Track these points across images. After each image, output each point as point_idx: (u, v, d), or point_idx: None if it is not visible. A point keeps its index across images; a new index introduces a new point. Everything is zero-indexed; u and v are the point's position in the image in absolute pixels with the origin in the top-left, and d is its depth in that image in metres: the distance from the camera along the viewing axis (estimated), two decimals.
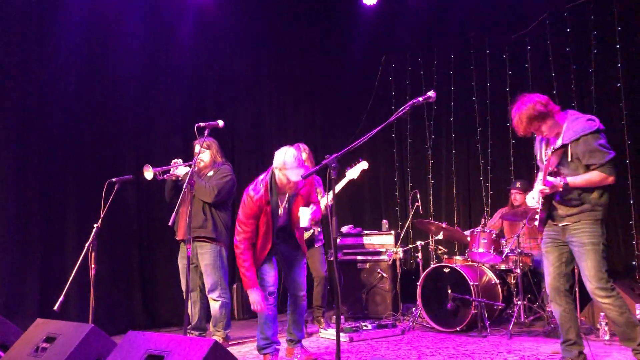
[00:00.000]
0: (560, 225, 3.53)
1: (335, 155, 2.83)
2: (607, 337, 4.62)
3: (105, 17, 5.98)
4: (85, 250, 3.99)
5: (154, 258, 6.12)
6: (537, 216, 3.56)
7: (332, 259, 5.75)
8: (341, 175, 5.31)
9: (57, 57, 5.57)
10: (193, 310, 4.93)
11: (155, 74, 6.39)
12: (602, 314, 4.86)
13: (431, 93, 3.07)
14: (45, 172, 5.41)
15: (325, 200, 5.08)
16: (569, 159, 3.42)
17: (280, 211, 3.95)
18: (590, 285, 3.39)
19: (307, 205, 3.94)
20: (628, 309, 3.38)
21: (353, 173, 5.31)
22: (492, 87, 7.10)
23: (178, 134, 6.43)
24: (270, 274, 4.02)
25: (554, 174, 3.45)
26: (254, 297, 3.84)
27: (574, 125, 3.43)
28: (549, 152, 3.53)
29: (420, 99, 3.04)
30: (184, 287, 4.95)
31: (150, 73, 6.34)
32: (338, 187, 5.22)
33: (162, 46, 6.50)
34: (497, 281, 5.38)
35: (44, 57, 5.47)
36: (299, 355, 4.11)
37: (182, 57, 6.63)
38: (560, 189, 3.37)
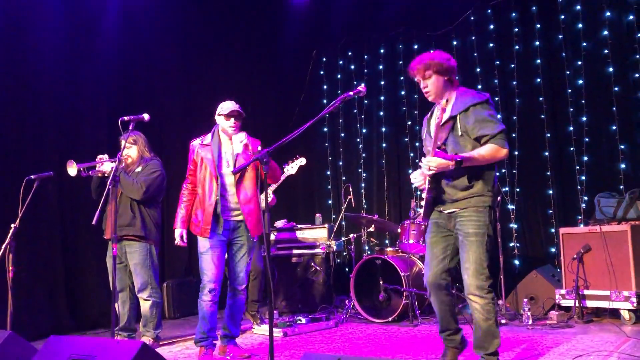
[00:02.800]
0: (446, 212, 3.24)
1: (267, 149, 2.80)
2: (530, 322, 4.83)
3: (23, 7, 5.65)
4: (2, 251, 3.77)
5: (79, 258, 5.86)
6: (423, 198, 3.29)
7: (265, 254, 5.71)
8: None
9: None
10: (122, 310, 4.77)
11: (77, 63, 6.08)
12: (525, 299, 5.10)
13: (361, 87, 3.10)
14: None
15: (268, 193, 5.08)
16: (459, 133, 3.11)
17: (225, 163, 4.05)
18: (468, 280, 3.11)
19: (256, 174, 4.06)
20: (495, 317, 3.13)
21: (291, 169, 5.33)
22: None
23: (103, 128, 6.17)
24: (213, 270, 3.97)
25: (441, 151, 3.09)
26: (176, 234, 4.11)
27: (463, 97, 3.19)
28: (434, 126, 3.23)
29: (351, 93, 3.05)
30: (111, 288, 4.79)
31: (72, 63, 6.02)
32: (269, 192, 5.22)
33: (84, 35, 6.19)
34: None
35: None
36: (231, 354, 4.05)
37: (107, 47, 6.34)
38: (451, 167, 2.99)
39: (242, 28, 7.92)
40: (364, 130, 7.72)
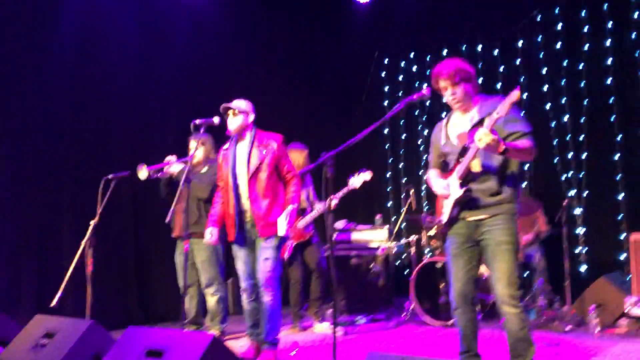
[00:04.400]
0: (473, 219, 3.16)
1: (331, 153, 2.87)
2: (597, 330, 4.70)
3: (98, 14, 5.98)
4: (82, 246, 4.02)
5: (149, 254, 6.15)
6: (448, 206, 3.20)
7: (326, 254, 5.80)
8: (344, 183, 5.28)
9: (51, 55, 5.58)
10: (190, 305, 4.97)
11: (149, 70, 6.38)
12: (592, 306, 4.96)
13: (425, 91, 3.13)
14: (40, 170, 5.44)
15: (322, 205, 5.14)
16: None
17: (239, 163, 4.04)
18: (501, 290, 3.04)
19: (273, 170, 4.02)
20: (529, 325, 3.09)
21: (356, 182, 5.19)
22: (483, 83, 7.15)
23: (172, 129, 6.44)
24: (242, 270, 4.07)
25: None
26: (206, 232, 4.17)
27: (488, 101, 3.14)
28: (456, 134, 3.18)
29: (415, 96, 3.09)
30: (180, 283, 5.00)
31: (144, 69, 6.33)
32: (339, 193, 5.23)
33: (155, 42, 6.48)
34: (483, 277, 5.45)
35: (38, 55, 5.48)
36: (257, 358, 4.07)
37: (175, 54, 6.62)
38: (500, 149, 2.83)
39: (304, 30, 8.02)
40: (425, 132, 7.68)
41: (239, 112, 4.07)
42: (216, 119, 4.05)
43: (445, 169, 3.39)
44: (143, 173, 4.73)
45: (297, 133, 7.48)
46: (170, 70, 6.56)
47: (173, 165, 4.86)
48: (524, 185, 3.19)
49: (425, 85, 7.62)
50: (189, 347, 2.43)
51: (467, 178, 3.11)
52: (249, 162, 4.00)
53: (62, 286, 3.96)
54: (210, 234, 4.14)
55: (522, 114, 3.12)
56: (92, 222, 4.10)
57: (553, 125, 6.45)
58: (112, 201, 4.49)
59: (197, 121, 3.96)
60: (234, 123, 4.07)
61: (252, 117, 4.14)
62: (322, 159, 2.85)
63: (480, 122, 3.07)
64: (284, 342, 4.33)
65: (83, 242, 4.04)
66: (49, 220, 5.46)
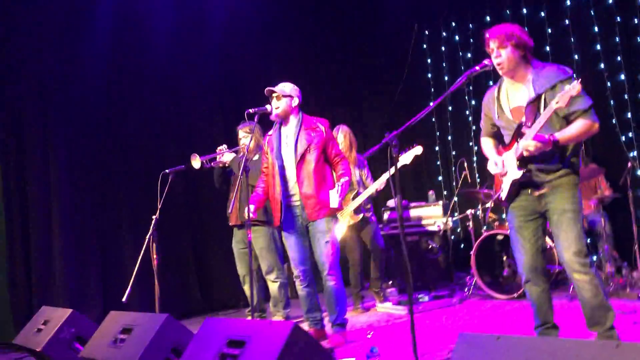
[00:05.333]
0: (536, 194, 3.09)
1: (396, 132, 2.81)
2: None
3: (136, 12, 6.03)
4: (146, 241, 4.09)
5: (207, 245, 6.24)
6: (507, 184, 3.11)
7: (384, 233, 5.76)
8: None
9: (97, 56, 5.68)
10: (252, 292, 5.01)
11: (189, 64, 6.43)
12: None
13: (487, 61, 3.03)
14: (96, 169, 5.56)
15: (374, 186, 5.08)
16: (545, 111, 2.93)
17: (284, 146, 4.04)
18: (568, 257, 2.97)
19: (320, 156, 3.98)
20: (603, 290, 2.99)
21: (406, 158, 5.09)
22: None
23: (218, 121, 6.48)
24: (293, 256, 4.04)
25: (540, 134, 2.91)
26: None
27: (544, 72, 3.01)
28: (510, 108, 3.10)
29: (477, 68, 3.01)
30: (240, 272, 5.06)
31: (184, 64, 6.39)
32: (391, 171, 5.14)
33: (195, 31, 6.51)
34: (552, 244, 5.31)
35: (84, 57, 5.58)
36: (325, 340, 4.05)
37: (214, 43, 6.63)
38: (548, 148, 2.86)
39: (342, 8, 7.91)
40: (473, 102, 7.49)
41: (282, 96, 4.04)
42: (269, 107, 4.04)
43: (500, 139, 3.31)
44: (197, 162, 4.78)
45: (340, 113, 7.45)
46: (209, 60, 6.57)
47: (225, 155, 4.89)
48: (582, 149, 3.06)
49: (469, 53, 7.42)
50: (271, 336, 2.43)
51: (526, 158, 3.01)
52: (296, 145, 3.98)
53: (131, 282, 4.03)
54: (249, 210, 4.04)
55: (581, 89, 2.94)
56: (154, 217, 4.14)
57: (609, 85, 6.19)
58: (168, 195, 4.56)
59: (251, 110, 3.95)
60: (277, 107, 4.05)
61: (296, 101, 4.09)
62: (387, 139, 2.79)
63: (536, 99, 2.98)
64: (350, 323, 4.32)
65: (147, 237, 4.09)
66: (109, 218, 5.59)
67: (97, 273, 5.37)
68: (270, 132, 4.22)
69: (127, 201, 5.75)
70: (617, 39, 6.18)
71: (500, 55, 3.05)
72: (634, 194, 5.31)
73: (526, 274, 3.16)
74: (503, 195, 3.19)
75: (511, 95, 3.14)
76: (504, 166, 3.14)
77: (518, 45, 3.02)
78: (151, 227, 4.10)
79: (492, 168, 3.23)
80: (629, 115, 6.02)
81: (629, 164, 5.19)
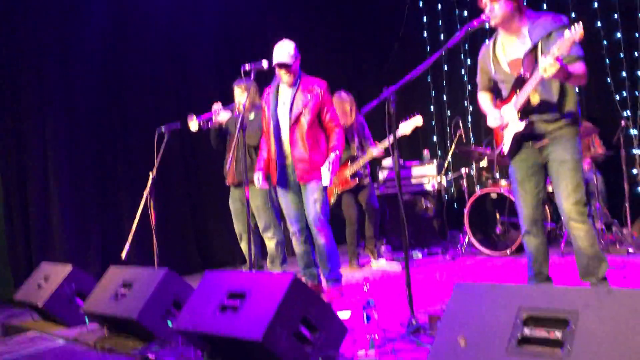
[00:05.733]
0: (537, 146, 3.12)
1: (393, 87, 2.82)
2: None
3: None
4: (144, 198, 4.11)
5: (204, 203, 6.29)
6: (508, 138, 3.12)
7: (390, 192, 5.81)
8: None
9: (94, 13, 5.62)
10: (249, 249, 5.07)
11: (183, 19, 6.33)
12: None
13: (485, 16, 3.00)
14: (93, 126, 5.56)
15: (381, 146, 5.10)
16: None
17: (281, 105, 4.00)
18: (569, 207, 2.99)
19: (314, 117, 3.92)
20: (598, 241, 3.04)
21: (406, 127, 5.05)
22: (529, 2, 6.84)
23: (214, 78, 6.43)
24: (290, 208, 4.09)
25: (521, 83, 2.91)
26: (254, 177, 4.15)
27: (540, 21, 2.97)
28: (507, 61, 3.08)
29: (476, 23, 2.97)
30: (237, 230, 5.11)
31: (180, 19, 6.28)
32: (390, 139, 5.14)
33: None
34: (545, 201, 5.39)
35: (81, 14, 5.51)
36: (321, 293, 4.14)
37: (210, 5, 6.52)
38: (561, 76, 2.74)
39: None
40: (469, 61, 7.46)
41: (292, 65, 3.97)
42: (265, 63, 3.97)
43: (497, 94, 3.31)
44: (194, 124, 4.76)
45: (337, 74, 7.40)
46: (205, 20, 6.48)
47: (221, 114, 4.87)
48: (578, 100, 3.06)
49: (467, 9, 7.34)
50: (271, 288, 2.48)
51: (527, 109, 3.01)
52: (291, 106, 3.95)
53: (130, 238, 4.07)
54: (257, 178, 4.15)
55: None
56: (150, 174, 4.15)
57: (605, 43, 6.17)
58: (164, 153, 4.57)
59: (247, 66, 3.91)
60: (292, 75, 3.98)
61: (298, 62, 4.03)
62: (385, 95, 2.80)
63: (533, 49, 2.95)
64: (345, 279, 4.41)
65: (144, 194, 4.11)
66: (107, 175, 5.61)
67: (96, 230, 5.41)
68: (267, 89, 4.19)
69: (125, 159, 5.75)
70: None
71: (493, 9, 3.01)
72: (626, 152, 5.37)
73: (526, 225, 3.22)
74: (505, 149, 3.21)
75: (507, 47, 3.12)
76: (504, 119, 3.15)
77: None
78: (148, 185, 4.12)
79: (492, 122, 3.24)
80: (624, 74, 6.03)
81: (622, 123, 5.23)
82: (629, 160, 5.97)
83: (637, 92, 6.01)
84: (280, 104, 4.05)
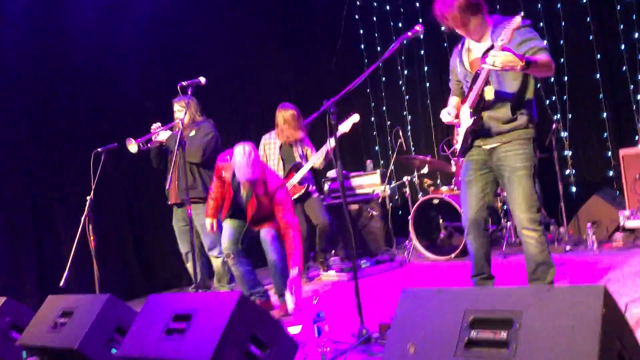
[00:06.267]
0: (487, 147, 3.14)
1: (333, 99, 2.83)
2: (596, 247, 4.82)
3: None
4: (82, 223, 3.96)
5: (146, 224, 6.11)
6: (461, 135, 3.15)
7: (325, 203, 5.82)
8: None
9: (20, 31, 5.40)
10: (195, 269, 4.97)
11: (117, 34, 6.16)
12: (588, 224, 5.07)
13: (418, 27, 3.06)
14: (25, 150, 5.33)
15: (321, 153, 5.14)
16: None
17: (244, 198, 4.14)
18: (521, 214, 3.04)
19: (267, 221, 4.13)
20: (548, 247, 3.10)
21: (345, 126, 5.13)
22: None
23: (151, 96, 6.29)
24: (228, 231, 4.18)
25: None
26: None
27: (502, 24, 2.93)
28: (469, 61, 3.14)
29: (409, 33, 3.04)
30: (182, 249, 5.00)
31: (111, 34, 6.12)
32: (332, 142, 5.19)
33: (121, 5, 6.23)
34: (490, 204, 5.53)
35: (4, 33, 5.28)
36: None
37: (144, 16, 6.37)
38: (519, 67, 2.70)
39: None
40: (406, 72, 7.61)
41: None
42: (202, 79, 3.96)
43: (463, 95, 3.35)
44: (133, 147, 4.66)
45: (278, 88, 7.40)
46: (142, 32, 6.33)
47: (160, 133, 4.79)
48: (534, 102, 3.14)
49: (403, 22, 7.50)
50: (217, 308, 2.42)
51: (480, 106, 3.03)
52: (247, 201, 4.13)
53: (68, 265, 3.90)
54: (210, 224, 4.31)
55: (535, 34, 3.00)
56: (88, 198, 4.01)
57: None
58: (103, 175, 4.42)
59: (184, 83, 3.86)
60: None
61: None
62: (325, 106, 2.81)
63: (491, 48, 2.93)
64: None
65: (82, 219, 3.96)
66: (42, 201, 5.38)
67: (31, 259, 5.15)
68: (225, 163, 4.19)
69: (60, 182, 5.52)
70: (539, 6, 6.41)
71: (468, 30, 3.05)
72: (558, 154, 5.59)
73: (468, 227, 3.26)
74: (457, 146, 3.25)
75: (473, 49, 3.18)
76: (458, 117, 3.17)
77: (468, 9, 2.96)
78: (86, 208, 3.98)
79: (444, 116, 3.28)
80: (552, 79, 6.29)
81: (554, 126, 5.45)
82: (562, 162, 6.22)
83: (564, 97, 6.28)
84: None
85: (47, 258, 5.18)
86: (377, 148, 8.01)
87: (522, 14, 6.41)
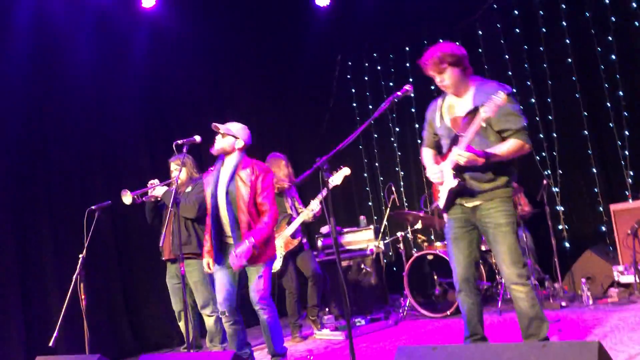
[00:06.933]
0: (469, 205, 3.20)
1: (326, 157, 2.88)
2: (591, 302, 4.80)
3: (56, 36, 5.89)
4: (73, 281, 3.92)
5: (138, 283, 6.05)
6: (444, 193, 3.21)
7: (318, 259, 5.80)
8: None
9: (16, 86, 5.50)
10: (188, 328, 4.89)
11: (110, 93, 6.29)
12: (583, 279, 5.06)
13: (408, 87, 3.15)
14: (17, 207, 5.31)
15: (310, 208, 5.15)
16: (483, 125, 3.01)
17: (219, 186, 3.94)
18: (508, 270, 3.08)
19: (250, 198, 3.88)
20: (539, 302, 3.11)
21: (336, 179, 5.19)
22: None
23: (145, 153, 6.36)
24: (221, 288, 3.94)
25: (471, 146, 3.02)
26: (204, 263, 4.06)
27: (485, 87, 3.11)
28: (450, 117, 3.23)
29: (399, 93, 3.12)
30: (175, 307, 4.93)
31: (108, 93, 6.25)
32: (322, 194, 5.23)
33: (115, 64, 6.38)
34: (480, 261, 5.52)
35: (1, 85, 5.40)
36: None
37: (137, 73, 6.51)
38: (480, 163, 2.96)
39: (265, 41, 7.98)
40: (397, 129, 7.75)
41: (227, 134, 3.97)
42: (197, 138, 4.02)
43: (439, 150, 3.41)
44: (127, 198, 4.66)
45: (273, 146, 7.50)
46: (132, 90, 6.45)
47: (157, 189, 4.80)
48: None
49: (393, 81, 7.70)
50: None
51: (460, 167, 3.11)
52: (228, 187, 3.91)
53: (58, 325, 3.83)
54: (207, 264, 4.04)
55: (517, 107, 3.14)
56: (80, 256, 3.99)
57: (521, 107, 6.58)
58: (95, 232, 4.41)
59: (180, 141, 3.92)
60: (218, 144, 3.98)
61: (241, 143, 4.01)
62: (318, 164, 2.85)
63: (474, 111, 3.07)
64: (289, 352, 4.29)
65: (74, 277, 3.92)
66: (32, 258, 5.33)
67: (18, 318, 5.05)
68: (212, 168, 4.14)
69: (52, 240, 5.49)
70: (526, 66, 6.62)
71: (443, 79, 3.18)
72: (550, 209, 5.65)
73: (459, 285, 3.27)
74: (441, 204, 3.30)
75: (454, 105, 3.27)
76: (442, 175, 3.23)
77: (454, 63, 3.13)
78: (78, 267, 3.95)
79: (432, 177, 3.31)
80: (541, 135, 6.42)
81: (544, 182, 5.52)
82: (554, 217, 6.27)
83: (554, 153, 6.39)
84: (220, 184, 3.96)
85: (36, 318, 5.08)
86: (370, 204, 8.06)
87: (510, 74, 6.63)
